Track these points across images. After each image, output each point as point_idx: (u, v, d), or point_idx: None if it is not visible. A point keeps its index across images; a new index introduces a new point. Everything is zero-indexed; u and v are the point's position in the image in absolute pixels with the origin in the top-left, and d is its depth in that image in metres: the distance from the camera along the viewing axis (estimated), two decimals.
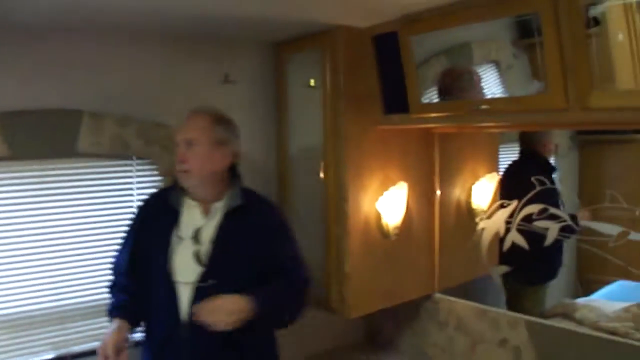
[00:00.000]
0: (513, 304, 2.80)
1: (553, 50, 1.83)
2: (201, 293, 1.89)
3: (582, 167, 2.99)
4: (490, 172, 3.02)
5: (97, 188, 2.46)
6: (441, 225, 2.92)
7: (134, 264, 2.07)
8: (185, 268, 1.95)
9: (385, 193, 2.63)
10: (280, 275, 2.01)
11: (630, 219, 2.30)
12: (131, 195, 2.53)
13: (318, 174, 2.63)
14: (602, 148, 2.90)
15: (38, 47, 2.30)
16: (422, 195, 2.83)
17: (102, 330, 2.47)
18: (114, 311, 1.99)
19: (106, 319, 2.05)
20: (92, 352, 2.46)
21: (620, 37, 1.68)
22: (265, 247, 2.01)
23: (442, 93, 2.34)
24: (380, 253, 2.69)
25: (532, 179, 2.57)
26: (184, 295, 1.94)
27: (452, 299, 2.84)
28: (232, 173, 2.09)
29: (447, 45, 2.34)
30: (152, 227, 2.07)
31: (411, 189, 2.72)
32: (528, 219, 2.55)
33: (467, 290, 2.87)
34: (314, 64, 2.59)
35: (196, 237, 1.98)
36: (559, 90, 1.86)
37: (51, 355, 2.36)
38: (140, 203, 2.26)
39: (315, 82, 2.59)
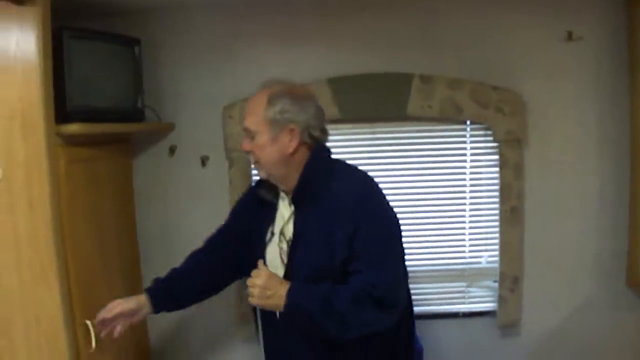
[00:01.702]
0: None
1: None
2: None
3: None
4: None
5: (428, 152, 2.36)
6: None
7: (224, 243, 1.85)
8: (274, 267, 1.66)
9: None
10: (349, 278, 1.54)
11: None
12: (464, 161, 2.36)
13: None
14: None
15: (363, 16, 2.28)
16: None
17: (443, 295, 2.47)
18: (150, 284, 1.82)
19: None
20: (436, 316, 2.46)
21: None
22: (338, 240, 1.54)
23: None
24: None
25: None
26: None
27: None
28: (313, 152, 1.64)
29: None
30: (253, 217, 1.79)
31: None
32: None
33: None
34: None
35: (282, 232, 1.68)
36: None
37: None
38: (250, 187, 1.96)
39: None
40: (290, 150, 1.57)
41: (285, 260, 1.63)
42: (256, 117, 1.58)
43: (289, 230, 1.64)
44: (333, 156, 1.69)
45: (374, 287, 1.49)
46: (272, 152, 1.58)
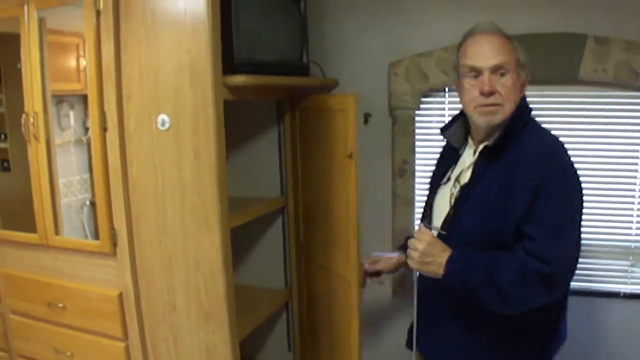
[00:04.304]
0: None
1: None
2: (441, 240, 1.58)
3: None
4: None
5: (599, 120, 2.22)
6: None
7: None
8: (440, 211, 1.65)
9: None
10: (518, 245, 1.43)
11: None
12: (638, 132, 2.19)
13: None
14: None
15: None
16: None
17: (604, 273, 2.33)
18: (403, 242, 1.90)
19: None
20: (593, 293, 2.32)
21: None
22: (518, 194, 1.43)
23: None
24: None
25: None
26: None
27: None
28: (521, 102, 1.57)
29: None
30: (438, 166, 1.80)
31: None
32: None
33: None
34: None
35: (458, 178, 1.63)
36: None
37: None
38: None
39: None
40: (521, 95, 1.55)
41: (452, 204, 1.60)
42: (509, 57, 1.52)
43: (466, 177, 1.60)
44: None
45: (547, 263, 1.36)
46: (515, 96, 1.53)
